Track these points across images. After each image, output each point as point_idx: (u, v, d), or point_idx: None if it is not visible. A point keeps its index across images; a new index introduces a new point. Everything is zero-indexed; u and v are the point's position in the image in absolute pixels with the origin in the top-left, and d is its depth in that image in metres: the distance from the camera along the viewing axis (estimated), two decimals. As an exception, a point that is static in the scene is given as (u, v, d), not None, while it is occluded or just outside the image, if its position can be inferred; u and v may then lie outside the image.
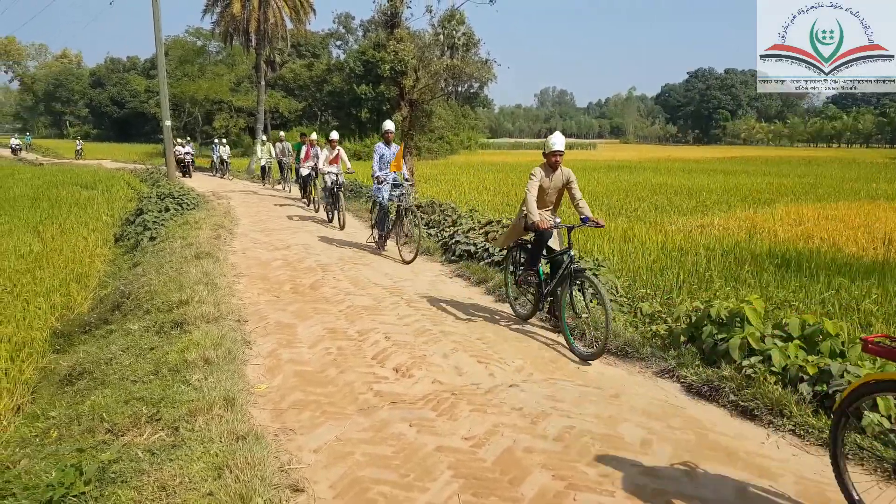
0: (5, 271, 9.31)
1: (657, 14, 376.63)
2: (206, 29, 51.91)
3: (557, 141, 6.06)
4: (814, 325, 4.99)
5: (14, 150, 49.37)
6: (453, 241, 10.06)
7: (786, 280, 8.60)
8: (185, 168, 28.45)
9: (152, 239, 11.49)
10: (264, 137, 31.23)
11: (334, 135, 14.17)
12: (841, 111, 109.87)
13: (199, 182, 24.80)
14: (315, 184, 16.20)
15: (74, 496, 3.27)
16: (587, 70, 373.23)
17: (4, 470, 4.12)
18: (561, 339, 6.02)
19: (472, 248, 9.52)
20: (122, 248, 12.12)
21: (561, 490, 3.45)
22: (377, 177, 10.06)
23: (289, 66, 60.48)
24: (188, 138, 39.08)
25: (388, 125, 10.30)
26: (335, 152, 13.69)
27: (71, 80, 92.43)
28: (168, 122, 22.41)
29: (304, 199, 17.65)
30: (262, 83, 37.08)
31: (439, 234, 11.04)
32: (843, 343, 4.85)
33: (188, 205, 14.89)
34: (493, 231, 10.06)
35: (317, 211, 15.75)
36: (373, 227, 10.86)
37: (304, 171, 16.54)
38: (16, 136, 56.68)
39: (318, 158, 15.34)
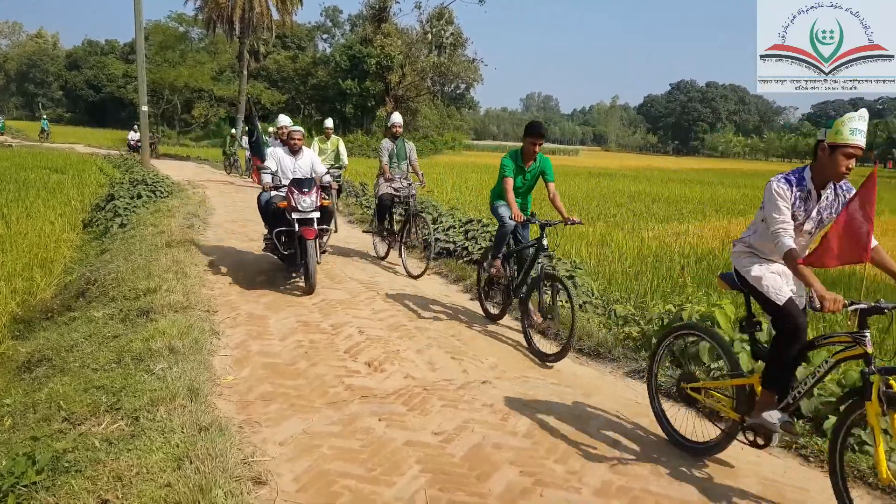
0: (-34, 254, 9.01)
1: (643, 26, 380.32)
2: (188, 15, 51.42)
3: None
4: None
5: None
6: (433, 238, 9.96)
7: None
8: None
9: (122, 226, 11.21)
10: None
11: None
12: (815, 128, 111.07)
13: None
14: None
15: (25, 486, 3.15)
16: (573, 77, 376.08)
17: (-46, 458, 3.97)
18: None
19: (452, 246, 9.45)
20: (91, 235, 11.80)
21: (528, 486, 3.42)
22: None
23: (273, 57, 60.10)
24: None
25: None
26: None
27: (45, 61, 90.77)
28: (145, 108, 21.96)
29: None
30: (245, 73, 36.83)
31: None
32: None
33: (162, 192, 14.60)
34: (473, 230, 9.99)
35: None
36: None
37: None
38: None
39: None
